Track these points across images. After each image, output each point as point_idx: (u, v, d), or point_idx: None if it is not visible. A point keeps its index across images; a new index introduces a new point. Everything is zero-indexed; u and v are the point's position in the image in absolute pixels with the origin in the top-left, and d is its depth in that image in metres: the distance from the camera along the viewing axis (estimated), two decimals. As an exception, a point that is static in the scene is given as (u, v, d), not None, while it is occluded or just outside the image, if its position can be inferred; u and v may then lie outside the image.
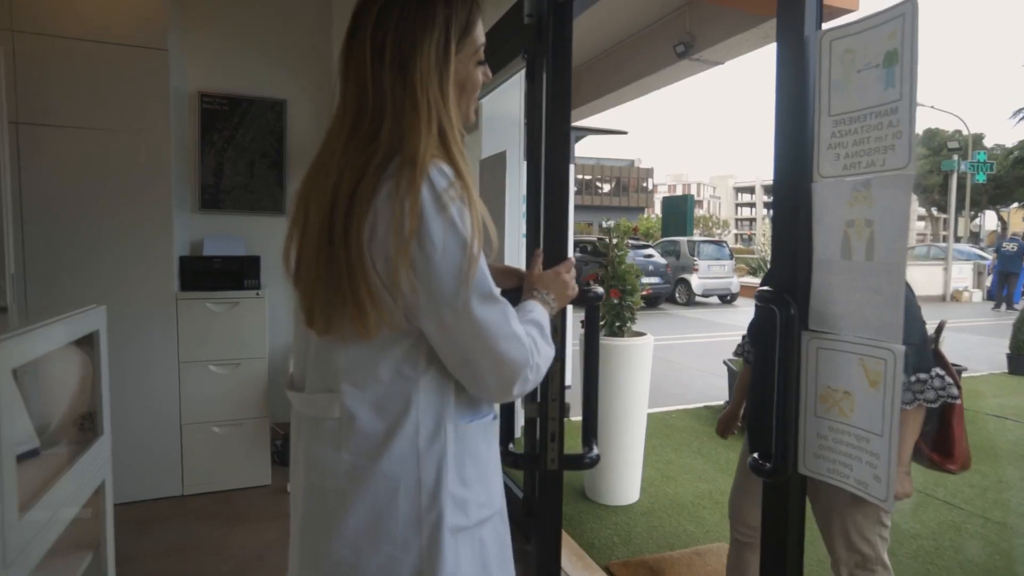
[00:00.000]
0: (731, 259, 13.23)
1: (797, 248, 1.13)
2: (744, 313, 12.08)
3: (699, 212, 45.44)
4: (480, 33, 0.88)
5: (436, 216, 0.75)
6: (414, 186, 0.74)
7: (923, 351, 1.43)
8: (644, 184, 40.53)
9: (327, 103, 3.36)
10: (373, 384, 0.82)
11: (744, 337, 1.95)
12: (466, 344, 0.80)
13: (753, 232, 49.20)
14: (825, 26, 1.09)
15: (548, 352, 0.89)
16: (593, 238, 12.73)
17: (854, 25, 1.03)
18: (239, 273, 2.92)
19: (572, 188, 5.24)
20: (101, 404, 1.43)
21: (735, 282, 13.17)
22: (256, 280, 2.94)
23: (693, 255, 12.86)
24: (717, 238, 19.44)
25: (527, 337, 0.84)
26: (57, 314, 1.27)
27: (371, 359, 0.82)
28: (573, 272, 1.05)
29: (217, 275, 2.88)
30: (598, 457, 1.30)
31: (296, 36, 3.32)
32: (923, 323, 1.45)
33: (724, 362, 4.43)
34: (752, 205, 55.05)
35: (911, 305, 1.41)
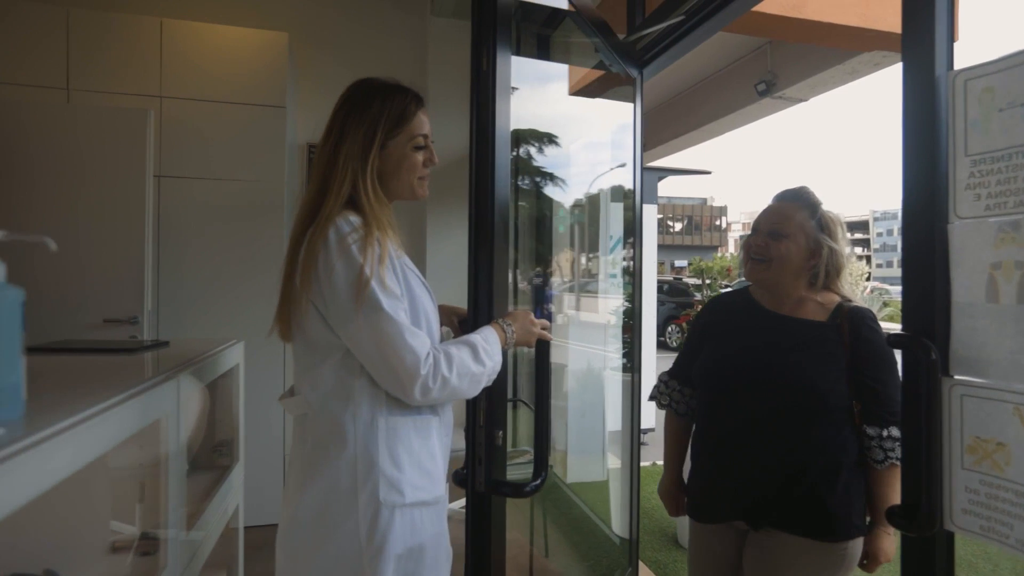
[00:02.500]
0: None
1: (933, 290, 1.09)
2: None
3: (776, 250, 43.64)
4: (418, 125, 1.14)
5: (336, 252, 1.00)
6: (317, 233, 1.02)
7: (895, 403, 1.30)
8: (717, 223, 39.63)
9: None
10: (322, 386, 1.06)
11: (664, 377, 1.59)
12: (365, 352, 1.01)
13: (836, 271, 46.60)
14: (957, 66, 1.08)
15: (470, 368, 1.07)
16: (668, 277, 12.53)
17: (992, 64, 1.01)
18: (340, 311, 3.08)
19: (654, 228, 5.23)
20: (238, 433, 1.55)
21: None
22: (355, 318, 3.09)
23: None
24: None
25: (430, 352, 1.02)
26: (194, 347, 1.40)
27: (319, 366, 1.06)
28: (540, 326, 1.29)
29: (321, 313, 3.06)
30: (536, 488, 1.34)
31: (395, 90, 3.55)
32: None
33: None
34: (834, 243, 52.24)
35: (888, 349, 1.31)
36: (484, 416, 1.43)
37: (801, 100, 5.93)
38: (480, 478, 1.46)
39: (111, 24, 2.70)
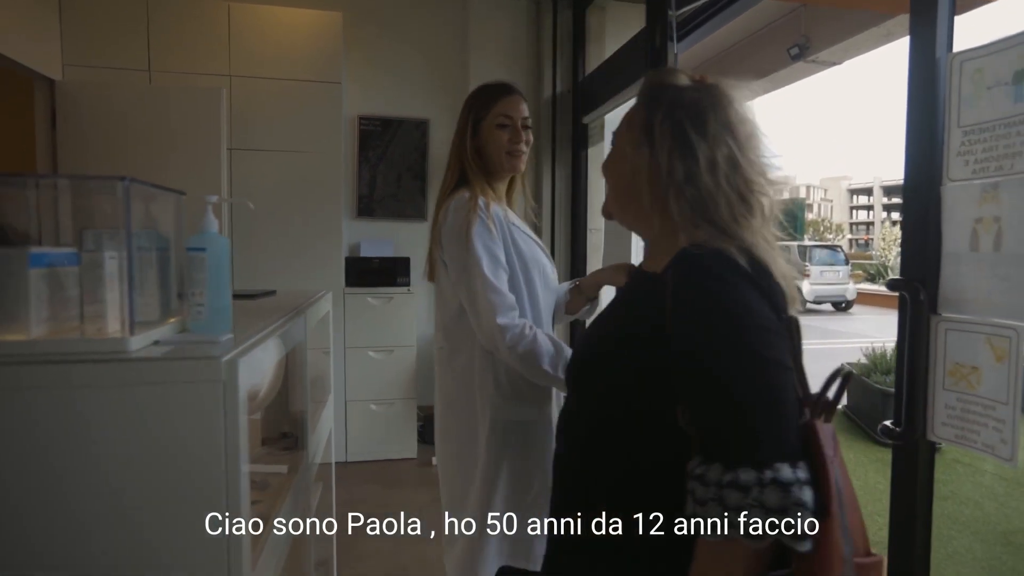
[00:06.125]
0: (846, 264, 12.55)
1: (926, 243, 1.29)
2: (862, 320, 11.39)
3: (809, 216, 42.87)
4: (503, 107, 1.36)
5: (453, 220, 1.29)
6: (443, 207, 1.33)
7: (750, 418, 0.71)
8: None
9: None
10: (451, 325, 1.34)
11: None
12: (465, 299, 1.28)
13: (871, 236, 45.59)
14: (955, 49, 1.25)
15: (538, 364, 1.23)
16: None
17: (982, 48, 1.19)
18: (392, 272, 3.37)
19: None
20: (329, 371, 1.83)
21: (851, 288, 12.47)
22: (407, 278, 3.38)
23: (805, 260, 12.35)
24: (831, 243, 18.41)
25: (514, 313, 1.24)
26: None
27: (447, 313, 1.34)
28: None
29: (376, 273, 3.35)
30: None
31: (437, 64, 3.75)
32: (778, 364, 0.75)
33: (844, 364, 4.36)
34: (870, 208, 51.01)
35: (743, 316, 0.74)
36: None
37: (835, 63, 5.91)
38: None
39: (185, 9, 2.95)
